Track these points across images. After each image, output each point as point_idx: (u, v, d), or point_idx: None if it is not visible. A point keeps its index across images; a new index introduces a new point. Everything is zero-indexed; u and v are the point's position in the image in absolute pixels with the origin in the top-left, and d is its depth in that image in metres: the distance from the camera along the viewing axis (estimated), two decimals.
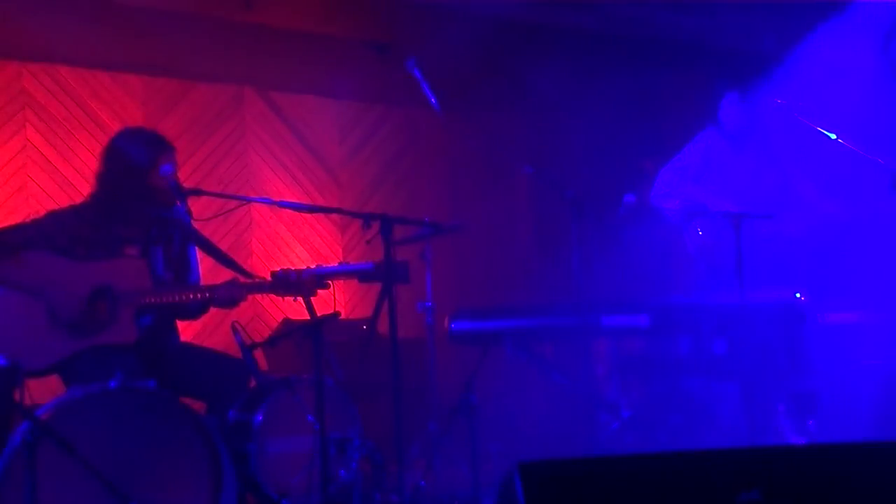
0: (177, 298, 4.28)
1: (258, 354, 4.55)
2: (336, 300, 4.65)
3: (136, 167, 4.26)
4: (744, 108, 5.32)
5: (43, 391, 4.20)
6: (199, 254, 4.52)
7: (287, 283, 4.20)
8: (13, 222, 4.66)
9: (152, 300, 4.22)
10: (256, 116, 6.81)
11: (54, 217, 4.30)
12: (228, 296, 4.23)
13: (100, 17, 5.54)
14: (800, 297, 4.95)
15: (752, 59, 5.77)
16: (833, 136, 5.06)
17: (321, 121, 7.06)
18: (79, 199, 4.39)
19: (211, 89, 6.63)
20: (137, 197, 4.28)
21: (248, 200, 4.71)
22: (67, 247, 4.21)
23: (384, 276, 4.19)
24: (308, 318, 4.30)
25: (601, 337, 5.23)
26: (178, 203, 4.30)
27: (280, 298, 6.47)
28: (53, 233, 4.22)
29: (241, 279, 4.27)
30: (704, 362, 5.12)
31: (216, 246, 4.49)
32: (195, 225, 4.38)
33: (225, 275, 4.37)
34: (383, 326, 4.45)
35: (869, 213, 5.12)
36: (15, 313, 4.13)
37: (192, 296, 4.27)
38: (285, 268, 4.28)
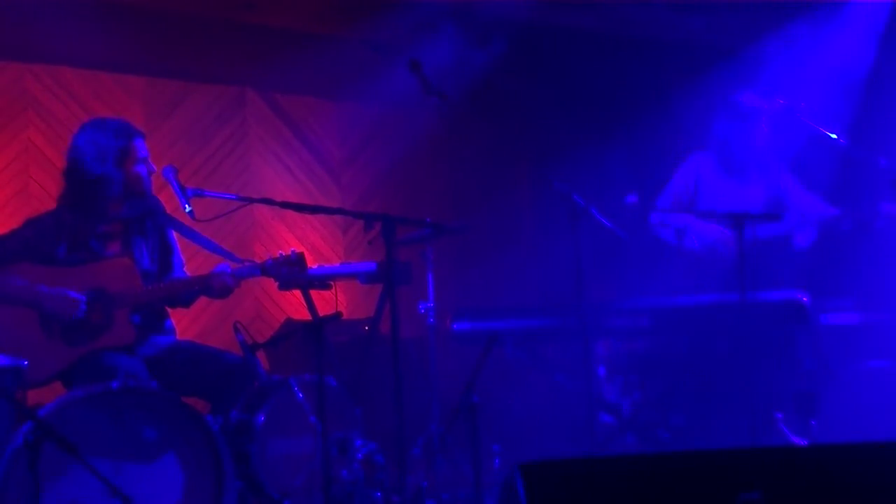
0: (171, 293, 4.28)
1: (260, 355, 4.55)
2: (337, 300, 4.65)
3: (107, 159, 4.23)
4: (736, 128, 5.31)
5: (43, 391, 4.20)
6: (192, 245, 4.51)
7: (277, 265, 4.19)
8: (13, 224, 4.66)
9: (147, 299, 4.22)
10: (258, 117, 6.82)
11: (33, 224, 4.26)
12: (220, 284, 4.23)
13: (102, 18, 5.54)
14: (801, 297, 4.95)
15: (751, 59, 5.77)
16: (833, 136, 5.06)
17: (323, 121, 7.06)
18: None
19: (212, 90, 6.63)
20: (112, 190, 4.25)
21: (250, 201, 4.71)
22: (50, 252, 4.18)
23: (386, 276, 4.20)
24: (310, 318, 4.31)
25: (602, 337, 5.23)
26: (152, 190, 4.28)
27: (282, 298, 6.51)
28: (35, 240, 4.18)
29: (232, 265, 4.26)
30: (705, 362, 5.12)
31: (198, 232, 4.45)
32: (196, 225, 4.38)
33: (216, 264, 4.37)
34: (385, 326, 4.46)
35: (870, 213, 5.11)
36: (9, 327, 4.11)
37: (184, 289, 4.27)
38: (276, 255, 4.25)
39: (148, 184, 4.29)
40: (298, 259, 4.20)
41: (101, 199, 4.24)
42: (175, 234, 4.47)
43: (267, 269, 4.21)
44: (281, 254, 4.23)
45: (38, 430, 3.35)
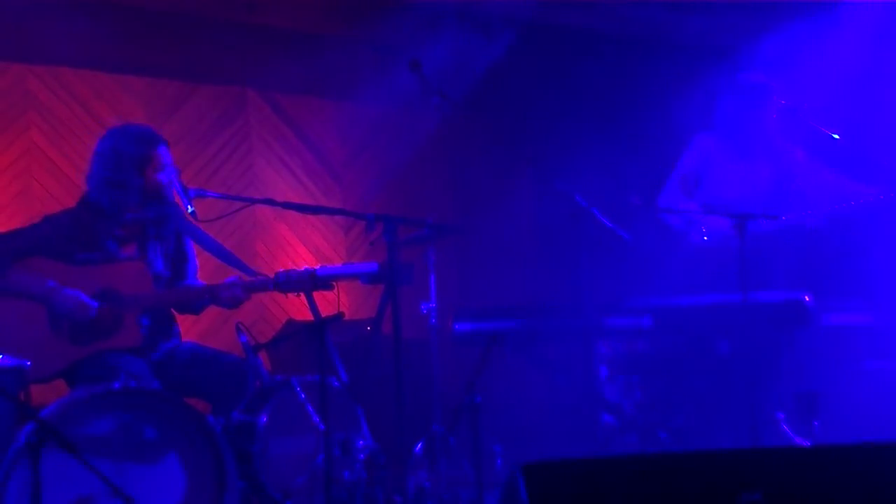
0: (181, 300, 4.30)
1: (262, 355, 4.56)
2: (339, 301, 4.65)
3: (127, 165, 4.24)
4: (743, 107, 5.31)
5: (46, 392, 4.20)
6: (201, 251, 4.52)
7: (288, 280, 4.20)
8: (16, 225, 4.66)
9: (157, 303, 4.23)
10: (259, 118, 6.82)
11: (51, 221, 4.27)
12: (231, 296, 4.24)
13: (103, 19, 5.55)
14: (804, 298, 4.95)
15: (751, 59, 5.77)
16: (836, 137, 5.05)
17: (324, 122, 7.06)
18: None
19: (214, 91, 6.64)
20: (131, 197, 4.26)
21: (252, 202, 4.72)
22: (65, 250, 4.19)
23: (388, 277, 4.20)
24: (312, 318, 4.31)
25: (604, 338, 5.23)
26: (173, 197, 4.30)
27: (284, 299, 6.51)
28: (51, 237, 4.20)
29: (244, 277, 4.28)
30: (707, 363, 5.12)
31: (216, 241, 4.47)
32: (199, 226, 4.38)
33: (228, 273, 4.38)
34: (387, 327, 4.46)
35: (873, 214, 5.11)
36: (17, 322, 4.11)
37: (195, 297, 4.28)
38: (289, 269, 4.28)
39: (168, 191, 4.29)
40: (310, 277, 4.22)
41: (119, 205, 4.25)
42: (192, 243, 4.48)
43: (279, 285, 4.22)
44: (294, 271, 4.23)
45: (40, 431, 3.35)
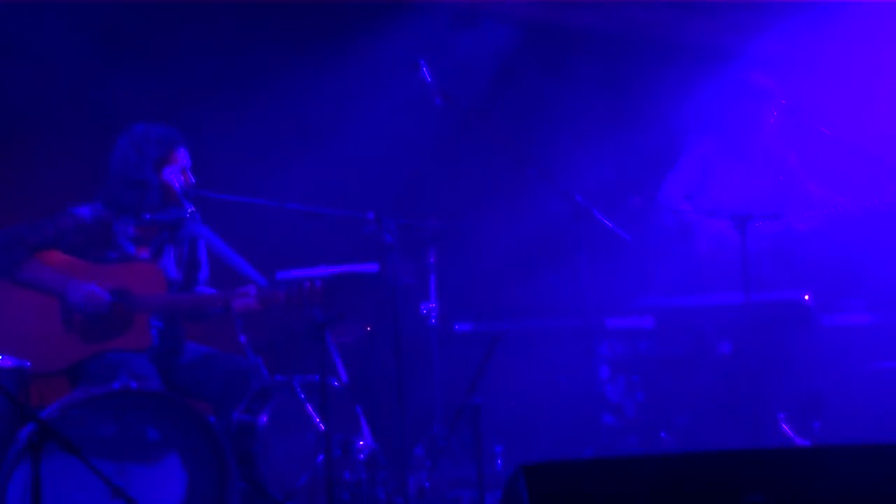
0: (193, 306, 4.29)
1: (263, 356, 4.55)
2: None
3: (147, 165, 4.24)
4: (743, 109, 5.31)
5: (49, 392, 4.19)
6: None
7: (301, 298, 4.18)
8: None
9: (168, 307, 4.23)
10: None
11: (72, 215, 4.27)
12: (243, 307, 4.23)
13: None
14: (806, 298, 4.95)
15: (752, 59, 5.77)
16: (831, 133, 5.06)
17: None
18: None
19: None
20: (149, 196, 4.26)
21: (252, 203, 4.71)
22: (82, 246, 4.20)
23: (389, 278, 4.20)
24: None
25: (605, 338, 5.23)
26: (189, 202, 4.30)
27: None
28: (71, 231, 4.20)
29: (257, 288, 4.26)
30: (709, 363, 5.11)
31: (230, 249, 4.46)
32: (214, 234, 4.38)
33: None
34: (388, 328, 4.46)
35: (876, 213, 5.11)
36: (30, 314, 4.12)
37: (207, 305, 4.28)
38: (290, 273, 4.27)
39: (181, 192, 4.27)
40: (321, 293, 4.21)
41: (138, 204, 4.24)
42: (206, 249, 4.46)
43: (291, 304, 4.21)
44: (302, 283, 4.22)
45: (40, 432, 3.35)
